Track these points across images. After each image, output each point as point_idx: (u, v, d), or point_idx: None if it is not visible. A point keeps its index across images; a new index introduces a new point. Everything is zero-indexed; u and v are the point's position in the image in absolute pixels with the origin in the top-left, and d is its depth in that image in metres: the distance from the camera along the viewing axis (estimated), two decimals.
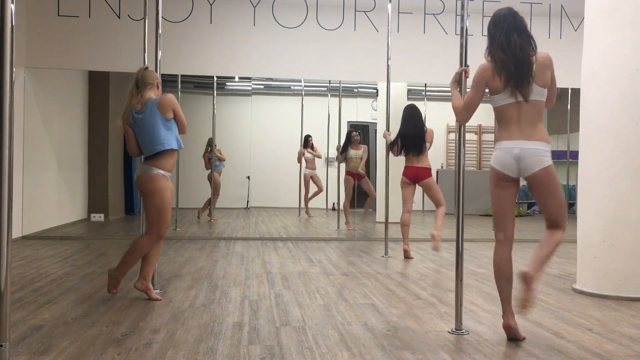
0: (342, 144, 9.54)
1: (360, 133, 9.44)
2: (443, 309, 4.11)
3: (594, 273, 4.69)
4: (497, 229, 3.42)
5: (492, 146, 11.48)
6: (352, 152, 9.27)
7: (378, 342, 3.30)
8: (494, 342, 3.33)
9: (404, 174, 6.64)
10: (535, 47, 3.31)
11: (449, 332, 3.52)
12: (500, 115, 3.33)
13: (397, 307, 4.15)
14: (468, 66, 3.58)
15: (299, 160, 10.76)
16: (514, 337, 3.36)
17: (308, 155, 10.77)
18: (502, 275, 3.38)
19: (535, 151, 3.23)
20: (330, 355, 3.05)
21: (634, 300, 4.46)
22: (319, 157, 10.74)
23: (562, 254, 7.12)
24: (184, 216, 9.68)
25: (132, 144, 4.34)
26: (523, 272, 3.13)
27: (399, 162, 10.06)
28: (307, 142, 10.73)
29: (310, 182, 10.82)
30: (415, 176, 6.56)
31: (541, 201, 3.37)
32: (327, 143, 10.87)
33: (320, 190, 10.94)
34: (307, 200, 10.91)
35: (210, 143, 9.89)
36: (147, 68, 4.49)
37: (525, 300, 3.12)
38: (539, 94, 3.26)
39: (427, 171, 6.58)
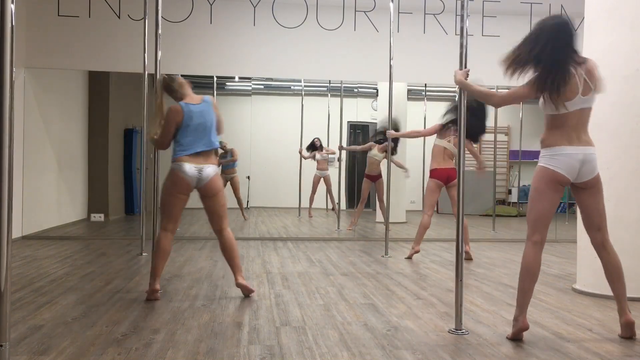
0: (343, 144, 9.55)
1: (360, 133, 9.37)
2: (443, 309, 4.11)
3: (594, 273, 4.69)
4: (534, 230, 3.38)
5: (492, 146, 11.49)
6: (373, 152, 9.20)
7: (378, 342, 3.30)
8: (494, 342, 3.33)
9: (436, 176, 6.43)
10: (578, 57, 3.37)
11: (449, 332, 3.52)
12: (560, 121, 3.34)
13: (397, 307, 4.15)
14: (469, 69, 3.61)
15: (302, 153, 10.77)
16: (519, 339, 3.37)
17: (319, 156, 10.74)
18: (532, 277, 3.38)
19: (593, 156, 3.38)
20: (330, 355, 3.05)
21: (634, 300, 4.46)
22: (333, 153, 10.69)
23: (562, 253, 7.13)
24: (184, 216, 9.66)
25: (169, 140, 4.32)
26: (631, 321, 3.42)
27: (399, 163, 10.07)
28: (314, 147, 10.71)
29: (321, 182, 10.78)
30: (447, 177, 6.40)
31: (590, 204, 3.46)
32: (327, 143, 10.87)
33: (329, 193, 10.90)
34: (312, 200, 10.89)
35: (222, 146, 9.84)
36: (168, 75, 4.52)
37: (633, 333, 3.46)
38: (593, 101, 3.40)
39: (455, 172, 6.51)
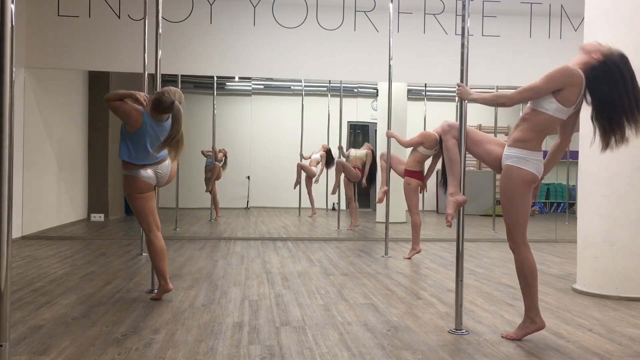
0: (343, 145, 9.58)
1: (360, 133, 9.38)
2: (443, 309, 4.11)
3: (594, 273, 4.70)
4: (524, 233, 3.38)
5: None
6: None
7: (378, 342, 3.30)
8: (494, 342, 3.33)
9: (419, 178, 6.55)
10: None
11: (449, 332, 3.52)
12: (545, 125, 3.29)
13: (397, 307, 4.15)
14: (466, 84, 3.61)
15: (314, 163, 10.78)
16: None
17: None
18: (536, 275, 3.40)
19: None
20: (330, 355, 3.05)
21: (634, 300, 4.47)
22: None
23: (562, 253, 7.13)
24: (184, 216, 9.68)
25: (116, 105, 4.12)
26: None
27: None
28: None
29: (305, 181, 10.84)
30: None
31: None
32: (327, 143, 10.86)
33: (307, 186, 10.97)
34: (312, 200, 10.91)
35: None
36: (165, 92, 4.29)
37: None
38: None
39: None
